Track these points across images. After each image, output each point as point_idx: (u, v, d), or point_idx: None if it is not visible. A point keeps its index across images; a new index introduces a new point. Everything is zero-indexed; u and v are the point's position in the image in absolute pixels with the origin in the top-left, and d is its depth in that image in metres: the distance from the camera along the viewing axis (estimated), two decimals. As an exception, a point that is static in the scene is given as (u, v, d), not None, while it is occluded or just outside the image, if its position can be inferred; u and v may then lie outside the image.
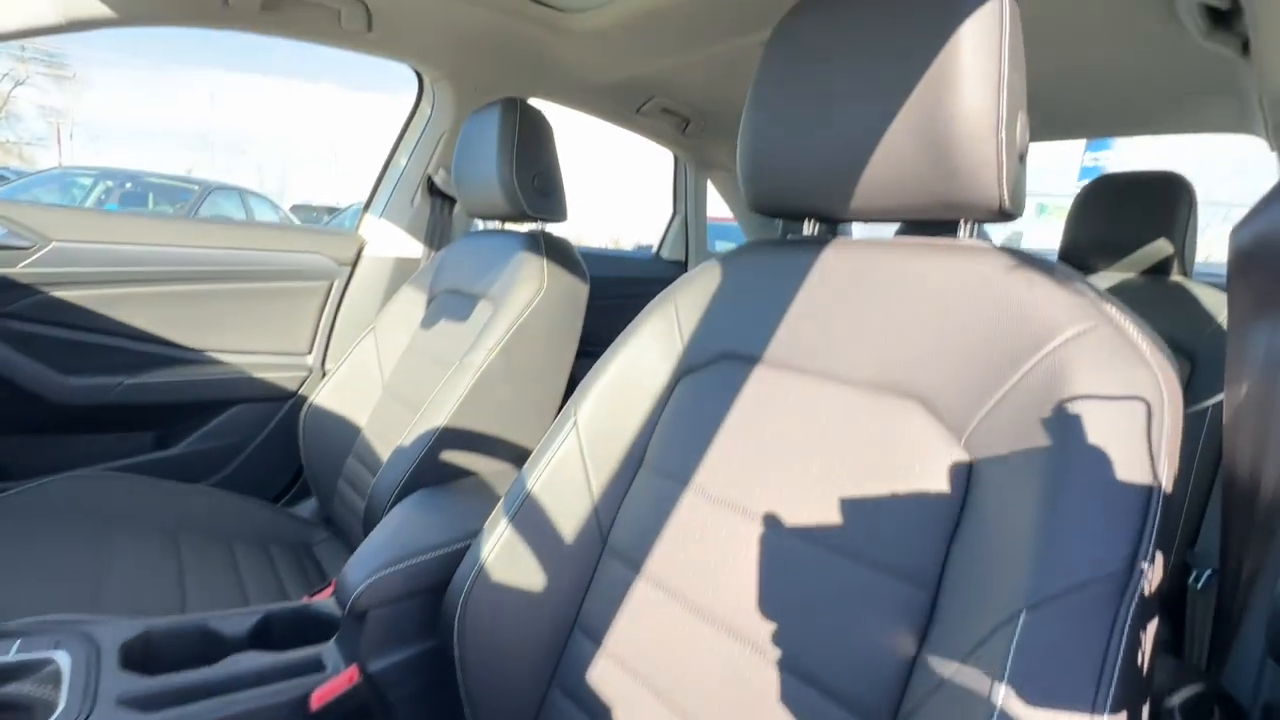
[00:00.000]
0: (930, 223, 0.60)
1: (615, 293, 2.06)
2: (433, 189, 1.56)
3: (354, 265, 1.52)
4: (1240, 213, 0.47)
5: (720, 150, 2.04)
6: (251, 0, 1.09)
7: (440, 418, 0.97)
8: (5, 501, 0.96)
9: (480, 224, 1.61)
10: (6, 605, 0.75)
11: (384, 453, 1.17)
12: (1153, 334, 0.46)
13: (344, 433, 1.26)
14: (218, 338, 1.37)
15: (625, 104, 1.72)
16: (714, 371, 0.68)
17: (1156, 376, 0.43)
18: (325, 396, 1.29)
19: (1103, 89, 1.30)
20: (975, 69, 0.49)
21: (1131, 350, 0.44)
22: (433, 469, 0.96)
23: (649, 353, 0.73)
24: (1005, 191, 0.51)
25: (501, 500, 0.71)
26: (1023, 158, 0.53)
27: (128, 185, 6.15)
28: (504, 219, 1.24)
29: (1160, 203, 1.23)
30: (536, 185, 1.15)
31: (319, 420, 1.28)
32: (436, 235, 1.56)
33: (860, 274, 0.60)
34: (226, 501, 1.19)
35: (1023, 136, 0.52)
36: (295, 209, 10.63)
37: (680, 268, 2.24)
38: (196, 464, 1.34)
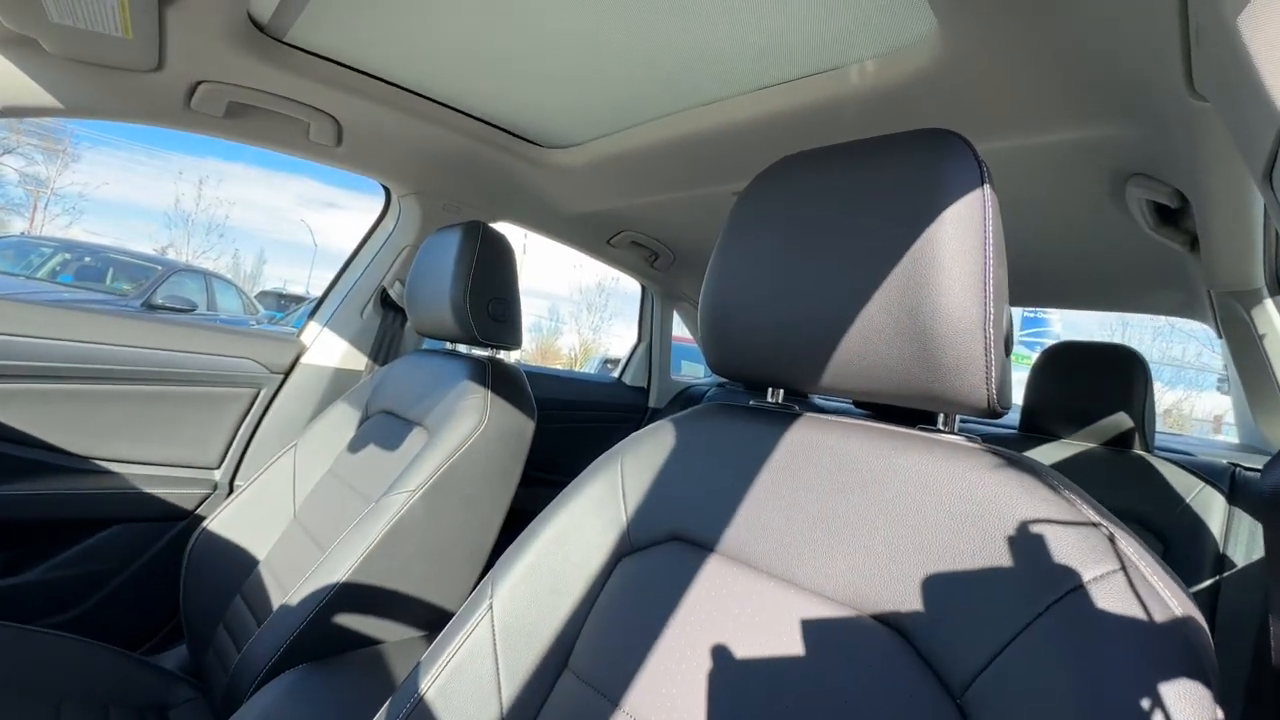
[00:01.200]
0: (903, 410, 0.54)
1: (574, 416, 1.98)
2: (386, 301, 1.49)
3: (287, 373, 1.40)
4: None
5: (687, 283, 2.06)
6: (215, 105, 1.06)
7: (341, 569, 0.82)
8: None
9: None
10: None
11: (278, 595, 0.99)
12: (1171, 576, 0.38)
13: (236, 566, 1.09)
14: (110, 445, 1.21)
15: (595, 235, 1.73)
16: (660, 554, 0.58)
17: (1187, 625, 0.35)
18: (223, 521, 1.12)
19: (1055, 265, 1.34)
20: (959, 261, 0.44)
21: (1158, 600, 0.37)
22: (324, 635, 0.80)
23: (588, 524, 0.62)
24: (993, 389, 0.45)
25: (384, 708, 0.57)
26: (1009, 350, 0.48)
27: (87, 259, 5.98)
28: (453, 341, 1.17)
29: (1117, 375, 1.24)
30: (491, 311, 1.09)
31: (209, 549, 1.10)
32: (384, 349, 1.47)
33: (833, 462, 0.52)
34: (67, 649, 0.98)
35: (1008, 328, 0.48)
36: (261, 296, 10.52)
37: (642, 394, 2.18)
38: (54, 594, 1.13)
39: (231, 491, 1.32)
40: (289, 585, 1.01)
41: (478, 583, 0.99)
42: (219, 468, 1.33)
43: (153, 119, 1.09)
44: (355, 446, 1.15)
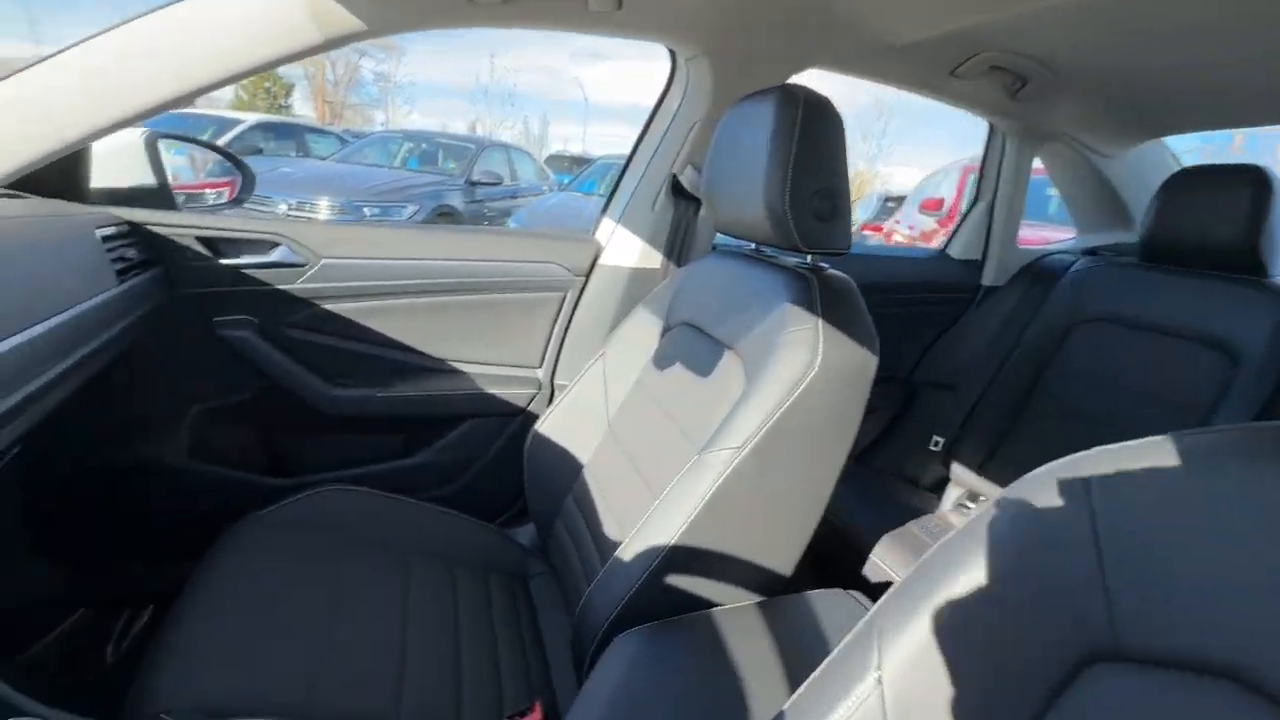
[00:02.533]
0: None
1: (885, 300, 1.66)
2: (678, 189, 1.33)
3: (588, 275, 1.38)
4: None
5: (1064, 114, 1.46)
6: (492, -10, 0.93)
7: (670, 529, 0.76)
8: (270, 516, 1.01)
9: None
10: (248, 628, 0.79)
11: (601, 505, 1.02)
12: None
13: (565, 468, 1.15)
14: (457, 348, 1.35)
15: (936, 65, 1.27)
16: (1185, 688, 0.34)
17: None
18: (550, 424, 1.18)
19: None
20: None
21: None
22: (658, 595, 0.76)
23: (1026, 591, 0.41)
24: None
25: None
26: None
27: (423, 145, 7.12)
28: (763, 244, 0.96)
29: (1239, 196, 1.18)
30: (815, 208, 0.84)
31: (542, 449, 1.18)
32: (679, 246, 1.34)
33: None
34: (456, 525, 1.17)
35: None
36: (550, 160, 11.52)
37: (973, 269, 1.73)
38: (432, 477, 1.36)
39: (554, 392, 1.40)
40: (609, 496, 1.02)
41: (809, 543, 0.89)
42: (540, 367, 1.41)
43: (441, 21, 1.02)
44: (661, 362, 1.08)
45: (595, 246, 1.38)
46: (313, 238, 1.18)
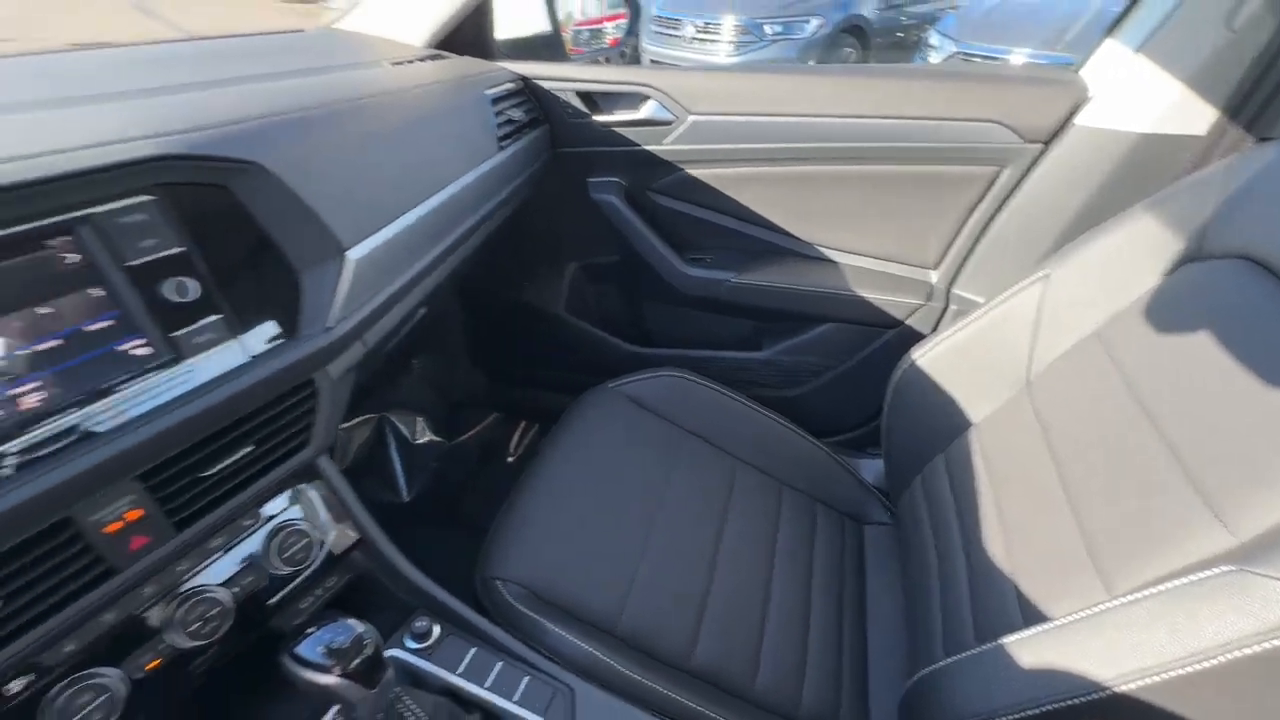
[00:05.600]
0: None
1: None
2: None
3: (1048, 141, 0.90)
4: None
5: None
6: None
7: (1136, 658, 0.45)
8: (617, 390, 1.02)
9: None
10: (579, 513, 0.81)
11: (989, 501, 0.73)
12: None
13: (946, 418, 0.86)
14: (832, 232, 1.08)
15: None
16: None
17: None
18: (936, 354, 0.87)
19: None
20: None
21: None
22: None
23: None
24: None
25: None
26: None
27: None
28: None
29: None
30: None
31: (918, 382, 0.90)
32: (1260, 102, 0.74)
33: None
34: (793, 440, 1.02)
35: None
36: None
37: None
38: (778, 376, 1.20)
39: (947, 305, 1.05)
40: (1008, 496, 0.71)
41: None
42: (935, 269, 1.06)
43: None
44: (1164, 318, 0.64)
45: (1074, 93, 0.88)
46: (685, 89, 1.01)
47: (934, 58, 4.10)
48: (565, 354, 1.32)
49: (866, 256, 1.09)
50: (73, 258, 0.44)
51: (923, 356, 0.88)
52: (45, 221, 0.43)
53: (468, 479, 1.34)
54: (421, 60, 0.90)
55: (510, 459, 1.44)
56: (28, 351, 0.42)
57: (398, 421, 1.20)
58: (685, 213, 1.13)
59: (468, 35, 0.99)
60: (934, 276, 1.06)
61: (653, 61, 4.91)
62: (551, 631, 0.66)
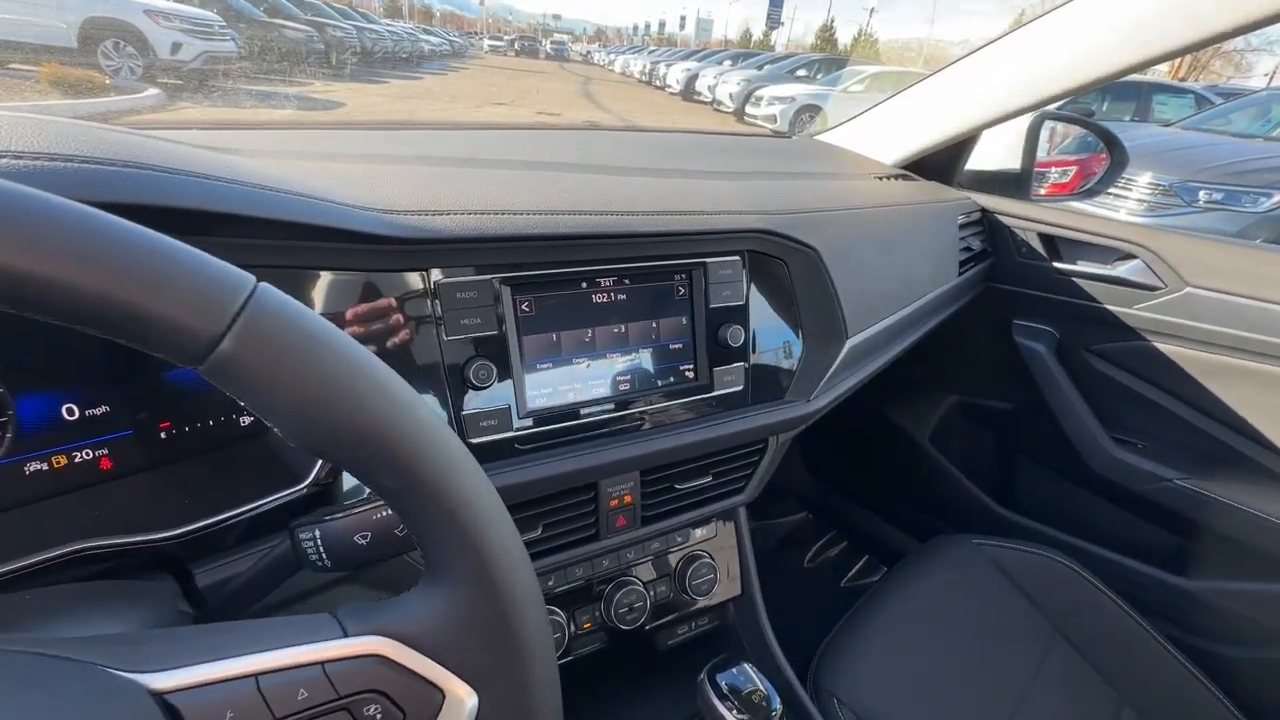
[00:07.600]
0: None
1: None
2: None
3: None
4: None
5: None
6: None
7: None
8: (984, 550, 0.90)
9: None
10: (913, 655, 0.74)
11: None
12: None
13: None
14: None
15: None
16: None
17: None
18: None
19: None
20: None
21: None
22: None
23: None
24: None
25: None
26: None
27: None
28: None
29: None
30: None
31: None
32: None
33: None
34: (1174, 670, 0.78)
35: None
36: None
37: None
38: (1209, 618, 0.94)
39: None
40: None
41: None
42: None
43: None
44: None
45: None
46: (1187, 257, 0.89)
47: None
48: (911, 483, 1.23)
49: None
50: (682, 292, 0.56)
51: None
52: (676, 260, 0.55)
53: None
54: (893, 179, 0.96)
55: (843, 584, 1.36)
56: (635, 353, 0.54)
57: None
58: (1128, 386, 0.97)
59: (938, 161, 1.02)
60: None
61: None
62: None
